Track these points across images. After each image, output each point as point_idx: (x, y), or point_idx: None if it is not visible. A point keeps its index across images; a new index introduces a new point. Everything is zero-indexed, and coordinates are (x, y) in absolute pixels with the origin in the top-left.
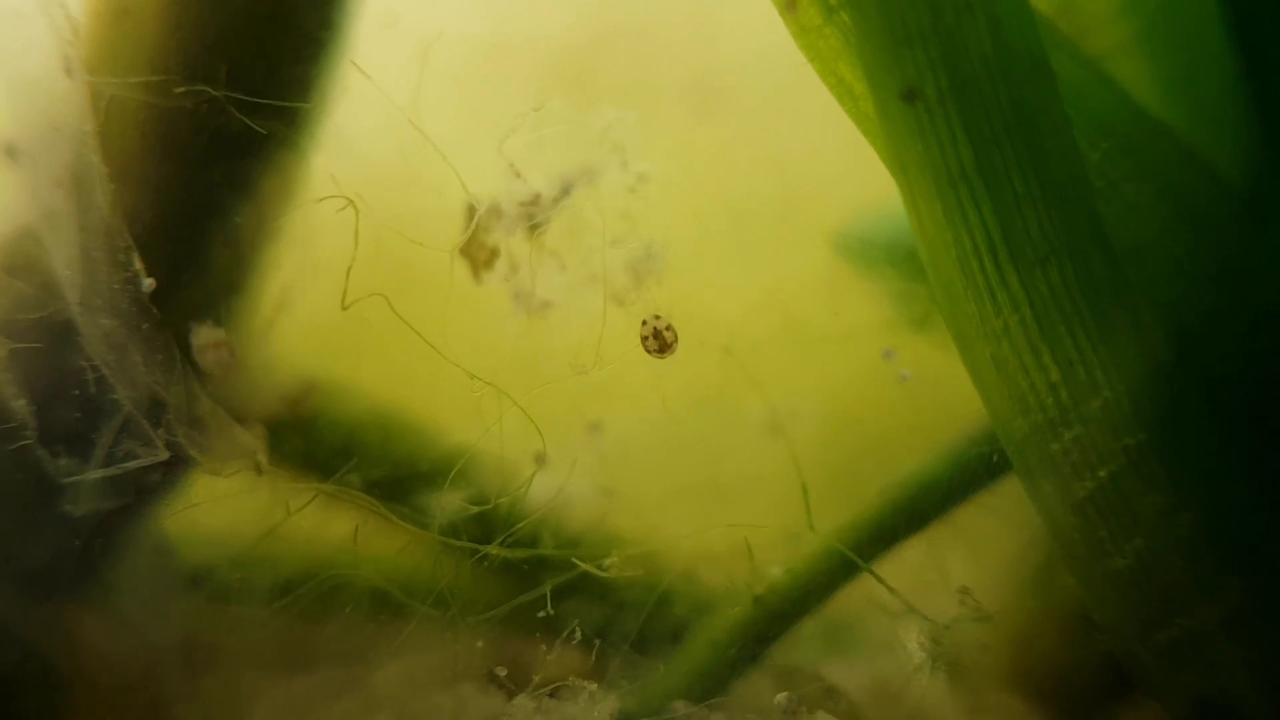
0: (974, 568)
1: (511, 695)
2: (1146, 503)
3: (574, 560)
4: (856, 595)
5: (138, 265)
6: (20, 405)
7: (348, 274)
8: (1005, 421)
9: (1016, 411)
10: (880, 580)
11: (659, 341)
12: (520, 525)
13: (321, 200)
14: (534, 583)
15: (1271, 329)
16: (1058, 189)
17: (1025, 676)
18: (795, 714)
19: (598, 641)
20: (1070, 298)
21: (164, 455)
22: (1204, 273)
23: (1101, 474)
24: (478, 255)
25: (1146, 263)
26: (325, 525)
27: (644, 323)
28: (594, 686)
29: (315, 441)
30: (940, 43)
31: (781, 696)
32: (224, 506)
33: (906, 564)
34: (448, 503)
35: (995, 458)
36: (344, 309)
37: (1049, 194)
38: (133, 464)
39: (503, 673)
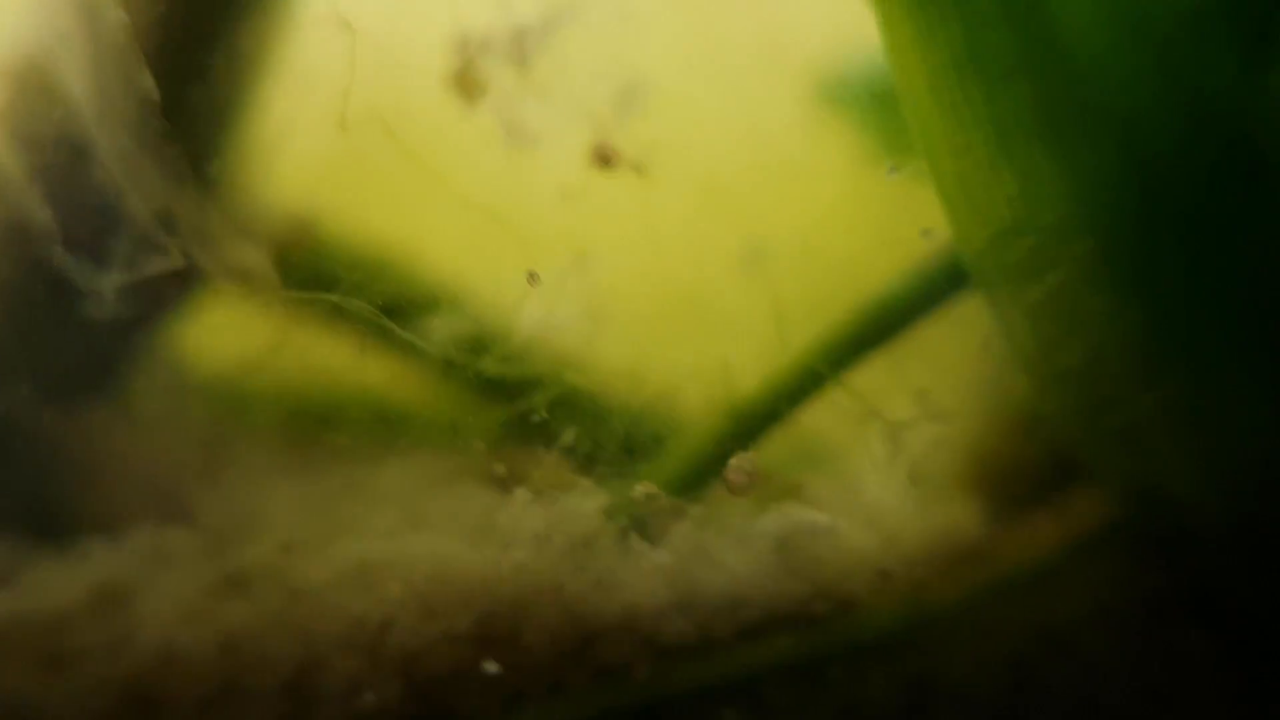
0: (933, 374)
1: (509, 491)
2: (1093, 305)
3: (564, 376)
4: (825, 405)
5: (149, 83)
6: (44, 216)
7: (345, 96)
8: (967, 234)
9: (977, 224)
10: (845, 387)
11: (602, 158)
12: (514, 343)
13: (317, 23)
14: (528, 398)
15: (1217, 138)
16: (1020, 7)
17: (978, 472)
18: (751, 474)
19: (588, 446)
20: (1030, 112)
21: (179, 263)
22: (1154, 87)
23: (1052, 280)
24: (469, 86)
25: (1101, 79)
26: (331, 344)
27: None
28: (587, 482)
29: (317, 265)
30: None
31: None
32: (235, 320)
33: (871, 374)
34: (445, 324)
35: (956, 273)
36: (342, 131)
37: (1012, 12)
38: (151, 271)
39: (501, 471)
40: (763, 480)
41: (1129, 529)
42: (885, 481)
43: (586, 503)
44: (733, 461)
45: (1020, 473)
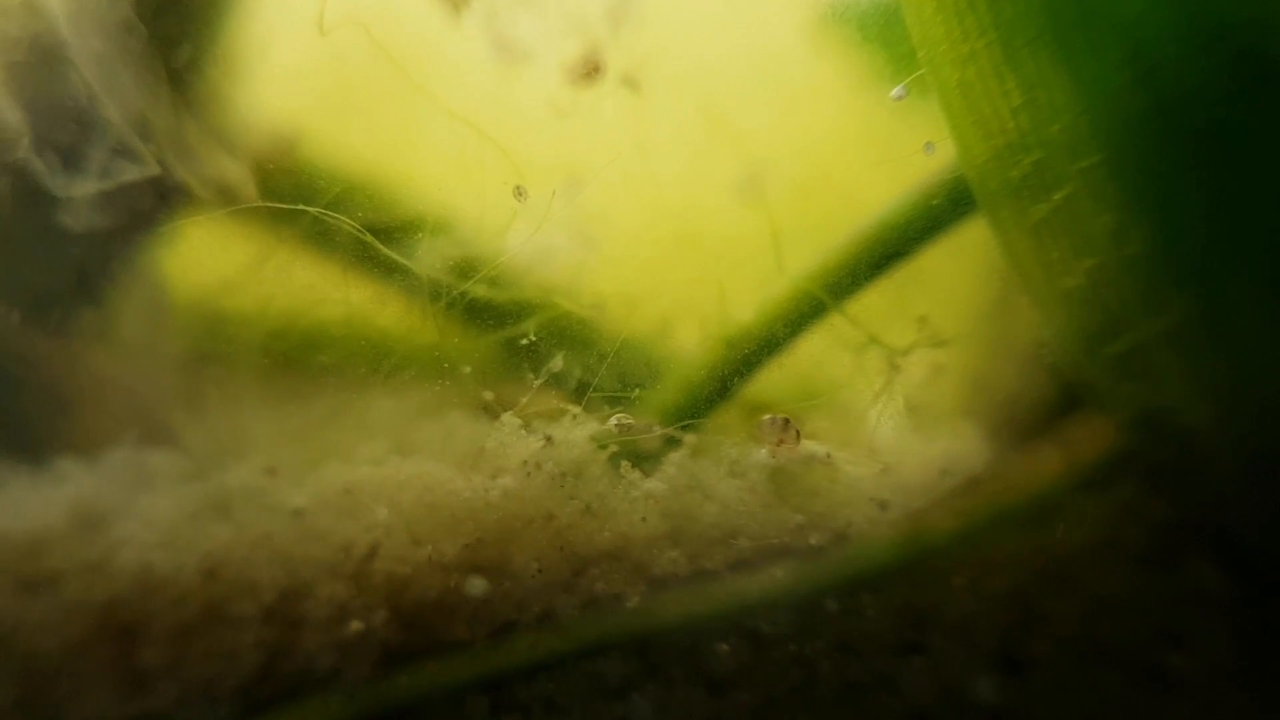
0: (934, 300)
1: (497, 417)
2: (1099, 223)
3: (554, 300)
4: (823, 335)
5: None
6: (16, 117)
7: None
8: (969, 148)
9: (980, 137)
10: (844, 314)
11: (588, 70)
12: (502, 260)
13: None
14: (516, 323)
15: (1229, 47)
16: None
17: (980, 400)
18: (785, 428)
19: (579, 373)
20: (1034, 21)
21: (154, 170)
22: None
23: (1057, 196)
24: None
25: None
26: (314, 264)
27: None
28: (577, 410)
29: (298, 178)
30: None
31: (765, 420)
32: (217, 239)
33: (870, 301)
34: (431, 245)
35: (958, 196)
36: (322, 36)
37: None
38: (126, 179)
39: (489, 397)
40: (793, 438)
41: (1136, 458)
42: (883, 410)
43: (576, 430)
44: (765, 418)
45: (1023, 400)
